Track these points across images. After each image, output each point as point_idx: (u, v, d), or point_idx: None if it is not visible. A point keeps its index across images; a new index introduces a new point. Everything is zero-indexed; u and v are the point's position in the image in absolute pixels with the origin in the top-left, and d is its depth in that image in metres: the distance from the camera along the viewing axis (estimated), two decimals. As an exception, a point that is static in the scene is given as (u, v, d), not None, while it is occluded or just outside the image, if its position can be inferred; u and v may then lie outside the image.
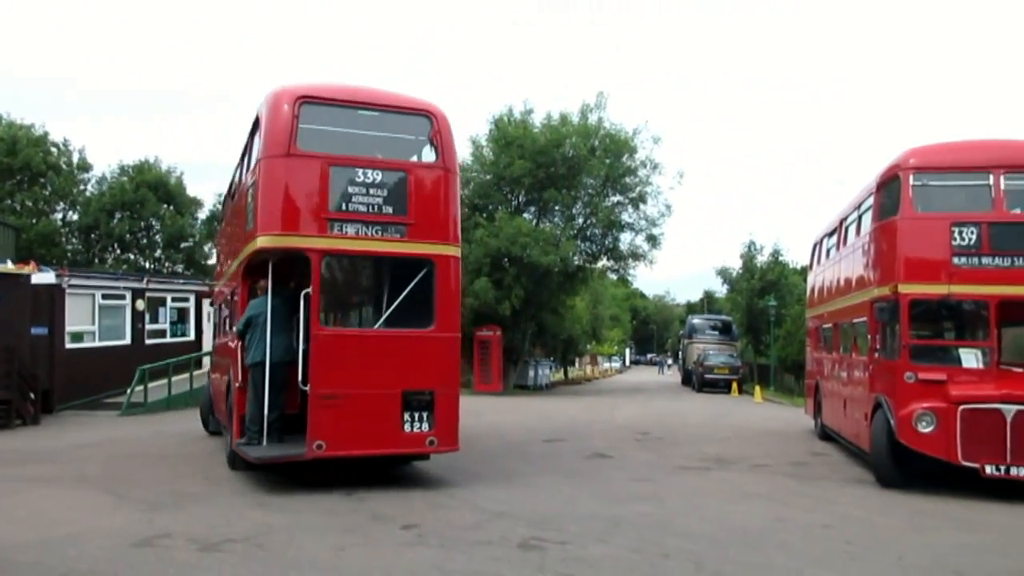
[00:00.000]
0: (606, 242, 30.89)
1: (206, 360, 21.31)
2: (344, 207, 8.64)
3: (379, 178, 8.76)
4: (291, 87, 8.93)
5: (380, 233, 8.75)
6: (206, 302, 24.01)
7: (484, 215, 28.34)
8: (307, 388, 8.55)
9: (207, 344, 23.25)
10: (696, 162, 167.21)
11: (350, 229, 8.65)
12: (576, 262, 29.97)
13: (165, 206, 39.82)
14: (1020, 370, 10.48)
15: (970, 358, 9.64)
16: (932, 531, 7.62)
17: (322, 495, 8.41)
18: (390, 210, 8.79)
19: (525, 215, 29.36)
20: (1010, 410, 8.79)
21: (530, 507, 8.06)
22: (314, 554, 6.19)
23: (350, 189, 8.66)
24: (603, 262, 32.37)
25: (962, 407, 8.95)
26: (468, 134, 32.28)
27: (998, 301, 9.39)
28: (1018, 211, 10.34)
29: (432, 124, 9.14)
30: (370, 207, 8.71)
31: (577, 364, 55.97)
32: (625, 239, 30.88)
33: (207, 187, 66.24)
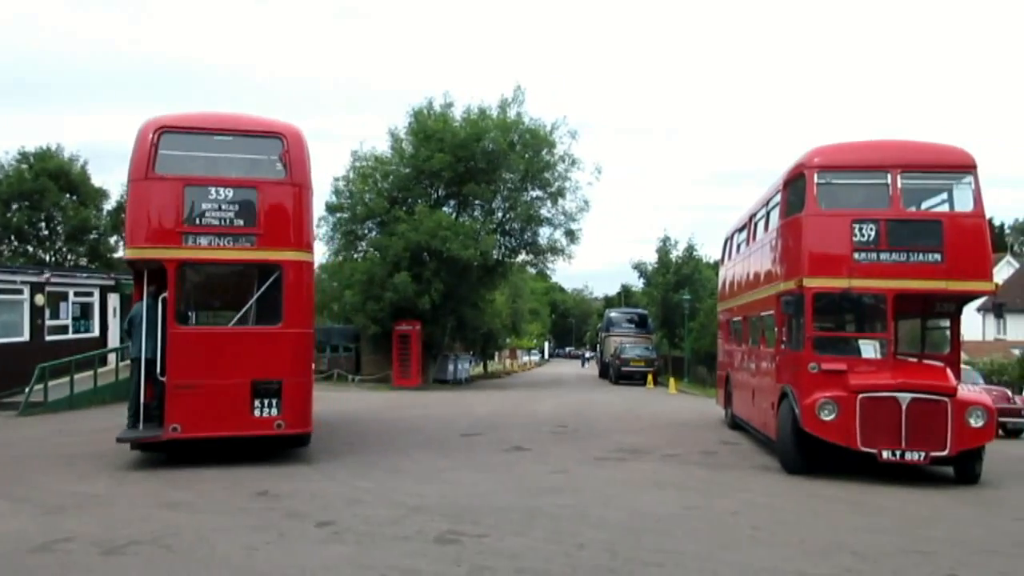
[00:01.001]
0: (525, 236, 31.19)
1: (111, 357, 20.53)
2: (198, 221, 9.75)
3: (231, 195, 9.86)
4: (155, 118, 9.94)
5: (231, 243, 9.86)
6: (112, 296, 23.10)
7: (404, 208, 28.12)
8: (164, 379, 9.61)
9: (112, 340, 22.40)
10: (616, 157, 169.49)
11: (203, 240, 9.77)
12: (496, 256, 30.09)
13: (67, 196, 37.94)
14: (915, 360, 11.06)
15: (869, 349, 10.13)
16: (832, 515, 7.97)
17: (234, 494, 8.24)
18: (241, 223, 9.86)
19: (445, 209, 29.29)
20: (905, 398, 9.29)
21: (448, 501, 8.07)
22: (225, 554, 6.06)
23: (204, 206, 9.76)
24: (522, 256, 32.69)
25: (861, 396, 9.40)
26: (387, 126, 31.99)
27: (894, 294, 9.88)
28: (913, 209, 10.93)
29: (283, 144, 10.12)
30: (222, 220, 9.81)
31: (497, 358, 56.18)
32: (544, 233, 31.33)
33: (114, 177, 63.26)
